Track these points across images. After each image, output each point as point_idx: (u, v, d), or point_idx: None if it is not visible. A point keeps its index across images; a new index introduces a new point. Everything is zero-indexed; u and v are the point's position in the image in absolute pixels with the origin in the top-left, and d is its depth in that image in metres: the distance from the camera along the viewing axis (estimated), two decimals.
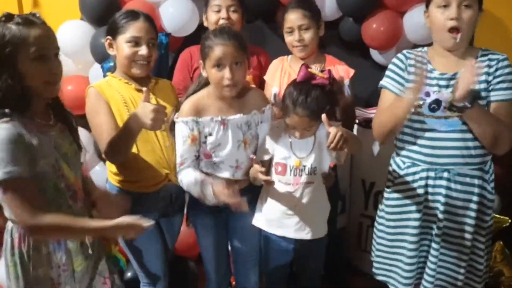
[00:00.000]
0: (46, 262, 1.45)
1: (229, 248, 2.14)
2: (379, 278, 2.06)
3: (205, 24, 2.33)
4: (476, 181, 1.78)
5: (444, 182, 1.79)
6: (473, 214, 1.80)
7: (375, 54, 2.79)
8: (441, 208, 1.81)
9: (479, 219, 1.81)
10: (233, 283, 2.38)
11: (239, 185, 1.82)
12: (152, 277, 2.03)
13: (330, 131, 1.64)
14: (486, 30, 2.31)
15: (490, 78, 1.72)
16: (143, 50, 1.82)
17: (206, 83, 1.87)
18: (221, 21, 2.21)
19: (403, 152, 1.89)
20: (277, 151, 1.88)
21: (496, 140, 1.71)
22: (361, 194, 2.70)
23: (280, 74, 2.22)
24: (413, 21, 2.55)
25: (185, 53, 2.39)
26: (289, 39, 2.15)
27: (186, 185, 1.82)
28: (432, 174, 1.81)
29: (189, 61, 2.35)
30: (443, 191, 1.80)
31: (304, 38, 2.10)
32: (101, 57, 2.48)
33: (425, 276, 1.91)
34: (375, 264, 2.07)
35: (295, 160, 1.85)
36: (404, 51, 1.90)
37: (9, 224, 1.47)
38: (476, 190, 1.79)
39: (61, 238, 1.45)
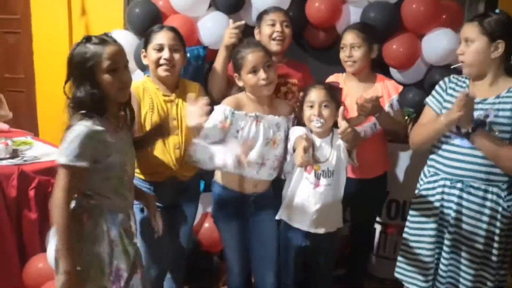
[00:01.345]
0: (106, 237, 1.65)
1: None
2: (399, 277, 2.16)
3: (257, 38, 2.43)
4: (489, 196, 1.89)
5: (457, 192, 1.93)
6: (484, 226, 1.90)
7: (394, 73, 2.91)
8: (453, 215, 1.94)
9: (491, 233, 1.90)
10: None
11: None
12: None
13: (342, 123, 1.87)
14: None
15: None
16: (165, 54, 2.05)
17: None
18: (275, 34, 2.34)
19: (430, 163, 2.06)
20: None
21: (499, 164, 1.84)
22: (374, 203, 2.70)
23: None
24: (431, 43, 2.69)
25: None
26: (341, 55, 2.33)
27: (199, 155, 1.89)
28: (448, 183, 1.95)
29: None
30: (455, 199, 1.93)
31: (353, 55, 2.28)
32: (143, 65, 2.68)
33: (437, 283, 2.03)
34: (397, 264, 2.18)
35: (315, 165, 2.04)
36: (451, 76, 2.05)
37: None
38: (488, 204, 1.89)
39: (57, 232, 1.57)
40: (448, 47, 2.60)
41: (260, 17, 2.46)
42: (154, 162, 2.07)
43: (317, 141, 2.06)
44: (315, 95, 2.03)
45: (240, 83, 2.07)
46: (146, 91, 2.08)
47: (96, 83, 1.60)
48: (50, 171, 2.51)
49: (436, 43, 2.66)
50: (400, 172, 2.77)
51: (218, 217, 2.21)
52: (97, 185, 1.65)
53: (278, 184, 2.20)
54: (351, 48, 2.27)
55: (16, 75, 4.09)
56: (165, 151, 2.07)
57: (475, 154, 1.89)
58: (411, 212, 2.14)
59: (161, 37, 2.07)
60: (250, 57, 1.98)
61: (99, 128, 1.59)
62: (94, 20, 3.41)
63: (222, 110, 2.00)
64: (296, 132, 2.02)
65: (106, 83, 1.61)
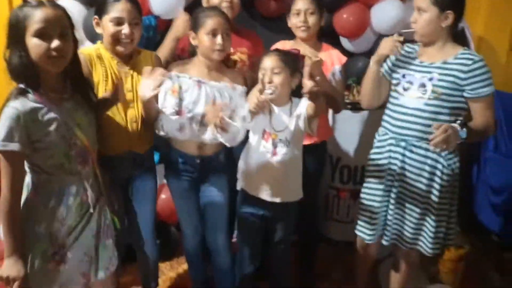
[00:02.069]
0: (49, 216, 1.59)
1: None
2: (359, 228, 2.28)
3: (205, 5, 2.40)
4: (430, 154, 2.03)
5: (401, 150, 2.08)
6: (425, 181, 2.05)
7: (345, 42, 2.99)
8: (398, 171, 2.09)
9: (432, 187, 2.05)
10: None
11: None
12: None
13: (307, 83, 1.88)
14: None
15: (463, 76, 1.94)
16: (125, 29, 1.93)
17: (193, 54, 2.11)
18: (224, 4, 2.31)
19: (382, 123, 2.19)
20: (263, 120, 2.07)
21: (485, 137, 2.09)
22: (328, 168, 2.92)
23: None
24: (380, 13, 2.76)
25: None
26: (294, 21, 2.32)
27: (164, 122, 1.99)
28: (394, 141, 2.10)
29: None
30: (399, 157, 2.08)
31: (308, 20, 2.29)
32: (92, 35, 2.55)
33: (386, 232, 2.19)
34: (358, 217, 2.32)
35: (272, 133, 2.07)
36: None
37: None
38: (429, 161, 2.03)
39: (1, 216, 1.53)
40: (397, 17, 2.69)
41: None
42: (110, 135, 1.99)
43: (275, 109, 2.07)
44: (267, 62, 2.03)
45: (194, 42, 2.06)
46: (100, 60, 1.97)
47: (24, 49, 1.48)
48: None
49: (384, 13, 2.74)
50: (351, 139, 2.87)
51: (169, 180, 2.24)
52: (41, 162, 1.57)
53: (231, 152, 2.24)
54: (306, 13, 2.29)
55: None
56: (121, 124, 2.01)
57: (417, 115, 2.02)
58: (366, 170, 2.28)
59: (121, 10, 1.92)
60: (213, 19, 1.99)
61: (32, 105, 1.50)
62: None
63: (169, 78, 2.01)
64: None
65: (31, 47, 1.48)
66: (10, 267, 1.52)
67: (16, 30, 1.48)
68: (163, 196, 2.84)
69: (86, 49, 2.02)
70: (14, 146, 1.47)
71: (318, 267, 2.77)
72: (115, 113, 1.99)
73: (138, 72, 2.03)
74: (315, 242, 2.77)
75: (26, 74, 1.50)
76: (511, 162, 3.06)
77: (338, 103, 2.39)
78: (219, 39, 1.99)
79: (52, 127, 1.54)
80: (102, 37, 2.03)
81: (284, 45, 2.38)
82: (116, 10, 1.93)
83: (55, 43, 1.50)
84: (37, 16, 1.47)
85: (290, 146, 2.06)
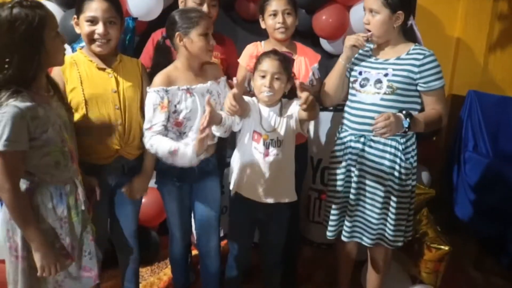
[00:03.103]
0: (51, 215, 1.63)
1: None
2: (324, 223, 2.34)
3: (181, 5, 2.38)
4: (388, 149, 2.08)
5: (360, 145, 2.12)
6: (385, 176, 2.09)
7: (324, 43, 3.00)
8: (357, 167, 2.13)
9: (392, 181, 2.08)
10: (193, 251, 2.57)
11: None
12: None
13: (302, 95, 1.88)
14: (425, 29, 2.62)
15: (416, 70, 2.02)
16: (99, 29, 1.88)
17: (165, 60, 2.09)
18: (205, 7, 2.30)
19: (343, 121, 2.23)
20: (253, 121, 2.06)
21: (434, 128, 2.12)
22: (309, 169, 2.89)
23: (256, 59, 2.27)
24: (359, 14, 2.72)
25: (157, 34, 2.44)
26: (271, 22, 2.27)
27: (157, 147, 1.95)
28: (353, 138, 2.14)
29: None
30: (359, 153, 2.12)
31: (286, 21, 2.25)
32: (70, 38, 2.54)
33: (345, 227, 2.22)
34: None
35: (263, 134, 2.06)
36: None
37: None
38: (387, 156, 2.08)
39: (13, 216, 1.56)
40: None
41: None
42: (97, 142, 1.95)
43: (265, 110, 2.07)
44: (268, 65, 2.01)
45: (181, 43, 2.00)
46: (73, 66, 1.92)
47: (44, 52, 1.50)
48: None
49: (363, 14, 2.71)
50: (332, 140, 2.86)
51: (161, 184, 2.19)
52: (37, 162, 1.57)
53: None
54: (283, 14, 2.25)
55: None
56: (108, 128, 1.96)
57: (374, 110, 2.06)
58: (329, 168, 2.32)
59: (95, 8, 1.87)
60: (206, 20, 2.01)
61: (29, 104, 1.49)
62: None
63: (155, 92, 1.97)
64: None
65: (55, 49, 1.54)
66: (45, 256, 1.58)
67: (26, 31, 1.45)
68: (143, 200, 2.79)
69: None
70: (20, 145, 1.48)
71: (300, 269, 2.77)
72: (101, 116, 1.94)
73: (123, 76, 1.99)
74: (297, 244, 2.76)
75: (26, 78, 1.50)
76: (490, 161, 3.10)
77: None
78: (211, 39, 2.02)
79: (50, 123, 1.56)
80: (80, 40, 2.01)
81: (256, 47, 2.36)
82: (91, 8, 1.88)
83: (62, 40, 1.60)
84: (51, 18, 1.52)
85: (282, 146, 2.06)
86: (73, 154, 1.72)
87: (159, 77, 2.01)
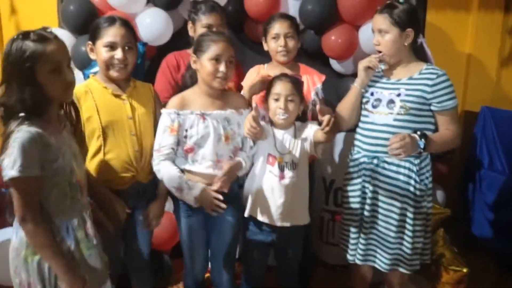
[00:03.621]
0: (59, 248, 1.55)
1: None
2: (342, 247, 2.31)
3: (191, 32, 2.41)
4: (402, 170, 2.05)
5: (373, 167, 2.09)
6: (399, 198, 2.05)
7: (334, 64, 2.99)
8: (371, 189, 2.10)
9: (407, 204, 2.05)
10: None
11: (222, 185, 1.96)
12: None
13: (325, 118, 1.89)
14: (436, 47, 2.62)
15: (429, 89, 2.00)
16: (118, 54, 1.90)
17: (192, 82, 2.06)
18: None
19: (355, 142, 2.20)
20: (267, 145, 2.06)
21: (449, 148, 2.13)
22: (322, 190, 2.89)
23: None
24: (367, 34, 2.70)
25: (170, 57, 2.47)
26: (273, 45, 2.27)
27: (163, 176, 1.95)
28: (366, 159, 2.11)
29: (175, 65, 2.42)
30: (372, 174, 2.09)
31: (288, 44, 2.25)
32: (82, 64, 2.59)
33: (358, 250, 2.18)
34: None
35: (278, 157, 2.05)
36: None
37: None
38: (401, 177, 2.05)
39: (35, 247, 1.52)
40: None
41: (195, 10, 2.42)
42: (114, 167, 1.96)
43: (279, 133, 2.07)
44: (281, 88, 2.03)
45: (195, 66, 2.00)
46: (88, 94, 1.93)
47: (37, 85, 1.47)
48: None
49: (372, 34, 2.73)
50: (343, 161, 2.84)
51: (178, 213, 2.14)
52: (46, 193, 1.53)
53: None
54: (286, 37, 2.25)
55: None
56: (123, 153, 1.96)
57: (387, 130, 2.04)
58: (342, 190, 2.30)
59: (114, 34, 1.90)
60: (219, 45, 1.93)
61: (40, 130, 1.47)
62: (25, 19, 3.25)
63: (167, 114, 1.96)
64: None
65: (50, 85, 1.49)
66: (72, 282, 1.53)
67: (22, 67, 1.44)
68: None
69: (77, 87, 1.92)
70: (34, 171, 1.44)
71: None
72: (118, 143, 1.96)
73: (137, 101, 2.01)
74: (309, 265, 2.73)
75: (34, 108, 1.48)
76: (507, 178, 3.04)
77: None
78: (222, 66, 1.94)
79: (60, 153, 1.53)
80: (91, 65, 2.01)
81: (259, 69, 2.37)
82: (109, 34, 1.90)
83: (69, 75, 1.55)
84: (48, 53, 1.46)
85: (297, 169, 2.06)
86: (82, 186, 1.67)
87: (174, 99, 2.01)
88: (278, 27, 2.26)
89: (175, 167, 1.96)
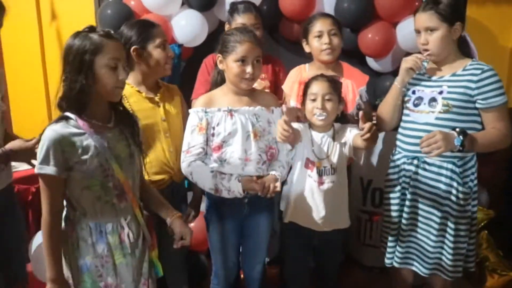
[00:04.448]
0: (92, 251, 1.56)
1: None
2: (382, 249, 2.24)
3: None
4: (444, 172, 1.97)
5: (413, 168, 2.02)
6: (440, 200, 1.98)
7: (370, 62, 2.95)
8: (410, 190, 2.03)
9: (448, 207, 1.97)
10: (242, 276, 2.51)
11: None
12: None
13: (366, 125, 1.80)
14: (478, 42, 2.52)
15: (473, 86, 1.91)
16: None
17: (221, 82, 2.03)
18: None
19: (396, 142, 2.14)
20: (305, 149, 2.03)
21: (497, 148, 1.95)
22: (359, 191, 2.84)
23: (299, 83, 2.26)
24: (405, 31, 2.71)
25: (209, 58, 2.48)
26: (316, 44, 2.21)
27: (197, 180, 1.90)
28: (406, 160, 2.04)
29: (213, 65, 2.35)
30: (412, 175, 2.02)
31: (333, 42, 2.19)
32: None
33: (396, 253, 2.12)
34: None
35: (316, 162, 2.01)
36: None
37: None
38: (443, 179, 1.97)
39: (43, 243, 1.53)
40: None
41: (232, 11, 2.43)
42: (153, 170, 1.98)
43: (318, 136, 2.03)
44: (318, 87, 1.98)
45: (221, 66, 1.95)
46: (124, 100, 1.90)
47: (91, 76, 1.48)
48: (28, 179, 2.47)
49: (410, 30, 2.59)
50: (382, 161, 2.79)
51: (209, 219, 2.10)
52: (78, 194, 1.54)
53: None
54: (330, 35, 2.20)
55: None
56: (160, 155, 2.00)
57: (429, 130, 1.93)
58: (384, 192, 2.23)
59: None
60: (245, 46, 1.86)
61: (72, 130, 1.48)
62: (65, 24, 3.34)
63: (195, 113, 1.93)
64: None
65: (103, 79, 1.50)
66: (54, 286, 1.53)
67: (83, 57, 1.46)
68: (191, 225, 2.81)
69: None
70: (50, 170, 1.46)
71: None
72: (155, 145, 1.99)
73: (168, 103, 2.05)
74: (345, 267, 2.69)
75: (79, 102, 1.50)
76: None
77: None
78: (249, 67, 1.88)
79: (90, 154, 1.51)
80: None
81: (300, 72, 2.32)
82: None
83: (123, 74, 1.55)
84: (110, 47, 1.49)
85: (336, 173, 2.02)
86: (125, 191, 1.60)
87: (201, 98, 1.98)
88: (320, 25, 2.21)
89: (207, 167, 1.91)
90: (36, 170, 1.48)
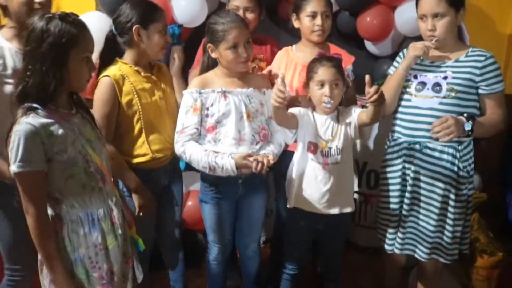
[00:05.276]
0: (84, 242, 1.51)
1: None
2: (378, 236, 2.25)
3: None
4: (445, 156, 1.99)
5: (415, 153, 2.04)
6: (441, 185, 2.00)
7: (369, 45, 2.96)
8: (412, 175, 2.05)
9: (448, 191, 2.00)
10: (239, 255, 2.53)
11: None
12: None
13: (371, 89, 1.78)
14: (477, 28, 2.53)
15: (478, 72, 1.94)
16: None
17: (212, 65, 2.04)
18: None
19: (394, 128, 2.14)
20: (306, 132, 2.03)
21: (493, 133, 2.01)
22: (354, 173, 2.89)
23: (286, 64, 2.28)
24: (404, 15, 2.72)
25: None
26: (308, 24, 2.18)
27: (191, 159, 1.92)
28: (407, 145, 2.05)
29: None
30: (413, 160, 2.04)
31: (325, 24, 2.18)
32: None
33: (397, 239, 2.14)
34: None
35: (321, 142, 2.02)
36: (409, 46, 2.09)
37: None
38: (444, 163, 1.99)
39: (35, 243, 1.47)
40: None
41: None
42: (156, 148, 2.01)
43: (321, 118, 2.03)
44: (325, 74, 1.96)
45: (214, 55, 1.98)
46: (125, 79, 1.94)
47: (64, 71, 1.42)
48: None
49: (408, 14, 2.66)
50: (377, 142, 2.83)
51: (202, 197, 2.15)
52: (61, 185, 1.47)
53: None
54: (323, 16, 2.18)
55: None
56: (163, 132, 2.03)
57: (432, 114, 1.97)
58: (380, 177, 2.24)
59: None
60: (233, 33, 1.89)
61: (44, 120, 1.41)
62: (64, 2, 3.32)
63: (189, 94, 1.96)
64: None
65: (77, 73, 1.46)
66: (61, 285, 1.49)
67: (58, 49, 1.40)
68: (189, 203, 2.86)
69: (110, 71, 1.94)
70: (34, 166, 1.40)
71: (345, 274, 2.72)
72: (157, 123, 2.01)
73: (163, 81, 2.07)
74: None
75: (48, 93, 1.42)
76: None
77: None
78: (242, 51, 1.91)
79: (68, 142, 1.46)
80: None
81: (287, 52, 2.31)
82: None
83: (93, 66, 1.54)
84: (86, 39, 1.46)
85: (341, 154, 2.02)
86: (105, 173, 1.59)
87: (195, 80, 2.01)
88: (315, 5, 2.17)
89: (200, 146, 1.94)
90: (16, 169, 1.39)
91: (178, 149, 1.96)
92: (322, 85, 1.97)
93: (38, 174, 1.42)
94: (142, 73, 2.00)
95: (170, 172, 2.13)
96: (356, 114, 2.01)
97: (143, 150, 1.98)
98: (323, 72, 1.96)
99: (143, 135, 1.98)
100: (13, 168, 1.39)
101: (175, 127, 2.02)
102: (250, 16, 2.32)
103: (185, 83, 2.14)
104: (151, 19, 1.95)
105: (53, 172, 1.45)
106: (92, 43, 1.50)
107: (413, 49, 2.01)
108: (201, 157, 1.91)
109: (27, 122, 1.38)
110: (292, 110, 2.03)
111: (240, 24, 1.92)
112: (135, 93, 1.95)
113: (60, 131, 1.44)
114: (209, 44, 1.98)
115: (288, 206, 2.13)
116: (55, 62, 1.40)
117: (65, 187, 1.48)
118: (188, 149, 1.93)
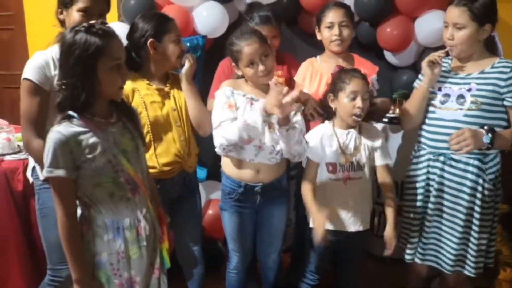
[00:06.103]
0: (107, 248, 1.55)
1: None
2: (400, 245, 2.22)
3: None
4: (470, 169, 1.97)
5: (439, 165, 2.03)
6: (466, 197, 1.99)
7: (388, 56, 2.96)
8: (436, 187, 2.04)
9: (473, 203, 1.98)
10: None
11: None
12: None
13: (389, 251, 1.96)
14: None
15: (503, 83, 1.92)
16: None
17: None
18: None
19: (418, 138, 2.14)
20: (327, 153, 2.03)
21: None
22: (373, 182, 2.89)
23: (311, 75, 2.32)
24: (424, 26, 2.72)
25: (225, 61, 2.45)
26: (327, 34, 2.24)
27: (224, 132, 1.87)
28: (431, 156, 2.05)
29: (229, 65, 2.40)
30: (438, 172, 2.03)
31: (343, 33, 2.22)
32: None
33: (418, 249, 2.14)
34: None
35: (343, 158, 2.03)
36: None
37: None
38: (469, 176, 1.97)
39: (63, 243, 1.52)
40: (441, 29, 2.59)
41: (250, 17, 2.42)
42: (164, 161, 2.03)
43: (343, 133, 2.05)
44: (357, 85, 1.97)
45: (239, 73, 2.02)
46: (136, 92, 1.99)
47: (95, 81, 1.46)
48: None
49: (428, 25, 2.69)
50: (399, 153, 2.82)
51: (223, 207, 2.17)
52: (90, 192, 1.53)
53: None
54: (340, 26, 2.22)
55: (11, 71, 4.07)
56: (171, 145, 2.04)
57: (456, 127, 1.96)
58: (404, 188, 2.24)
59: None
60: (246, 50, 1.90)
61: (76, 129, 1.47)
62: None
63: (222, 92, 1.98)
64: None
65: (108, 81, 1.48)
66: (83, 285, 1.52)
67: (85, 61, 1.43)
68: (210, 211, 2.88)
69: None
70: (60, 172, 1.45)
71: (364, 283, 2.71)
72: (166, 136, 2.03)
73: (177, 92, 2.09)
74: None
75: (83, 104, 1.47)
76: None
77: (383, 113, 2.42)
78: (260, 66, 1.92)
79: (97, 152, 1.49)
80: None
81: (311, 63, 2.34)
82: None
83: (126, 73, 1.56)
84: (112, 48, 1.47)
85: (363, 170, 2.04)
86: (138, 184, 1.60)
87: (227, 81, 2.05)
88: (332, 16, 2.22)
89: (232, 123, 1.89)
90: (45, 174, 1.48)
91: (219, 141, 1.91)
92: (354, 97, 1.97)
93: (65, 180, 1.48)
94: (155, 86, 2.03)
95: (180, 183, 2.13)
96: (378, 155, 2.07)
97: (151, 162, 1.98)
98: (356, 84, 1.97)
99: (152, 148, 2.01)
100: (44, 172, 1.49)
101: (187, 139, 2.05)
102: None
103: (196, 89, 2.13)
104: (164, 31, 2.00)
105: (82, 178, 1.51)
106: (121, 50, 1.52)
107: (424, 63, 2.04)
108: (234, 128, 1.85)
109: (57, 131, 1.45)
110: (312, 136, 2.05)
111: (251, 39, 1.92)
112: (144, 106, 1.98)
113: (91, 140, 1.49)
114: (233, 64, 2.02)
115: (310, 225, 2.10)
116: (84, 73, 1.44)
117: (93, 193, 1.54)
118: (223, 128, 1.90)
